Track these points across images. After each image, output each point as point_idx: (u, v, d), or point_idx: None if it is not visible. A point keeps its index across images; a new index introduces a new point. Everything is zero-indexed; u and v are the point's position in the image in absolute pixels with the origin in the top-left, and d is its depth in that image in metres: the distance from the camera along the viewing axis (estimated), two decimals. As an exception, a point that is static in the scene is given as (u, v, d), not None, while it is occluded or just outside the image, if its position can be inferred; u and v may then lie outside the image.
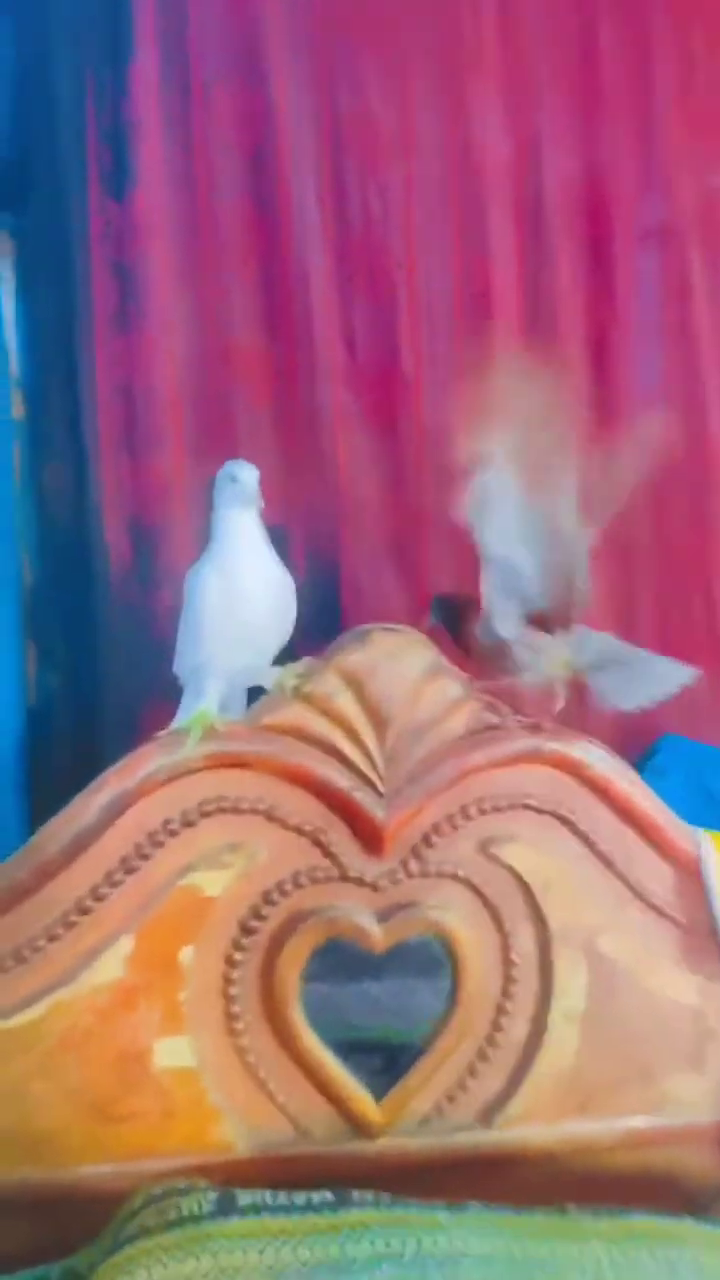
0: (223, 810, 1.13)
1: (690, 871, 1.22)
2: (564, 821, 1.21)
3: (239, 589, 1.11)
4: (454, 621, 1.23)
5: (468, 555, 1.47)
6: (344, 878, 1.16)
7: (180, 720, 1.13)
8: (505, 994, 1.20)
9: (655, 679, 1.17)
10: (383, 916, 1.17)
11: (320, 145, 1.44)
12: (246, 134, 1.45)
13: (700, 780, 1.45)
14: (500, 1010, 1.20)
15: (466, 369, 1.46)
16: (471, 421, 1.08)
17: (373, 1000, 1.25)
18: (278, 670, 1.16)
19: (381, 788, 1.15)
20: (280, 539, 1.20)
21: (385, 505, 1.47)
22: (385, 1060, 1.19)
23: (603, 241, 1.50)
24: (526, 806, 1.20)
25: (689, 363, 1.51)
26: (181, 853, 1.12)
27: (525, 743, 1.18)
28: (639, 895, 1.22)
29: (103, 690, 1.49)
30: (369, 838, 1.15)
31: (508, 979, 1.20)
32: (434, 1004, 1.19)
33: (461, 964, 1.18)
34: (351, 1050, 1.17)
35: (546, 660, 1.17)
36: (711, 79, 1.48)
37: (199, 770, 1.12)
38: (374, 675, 1.15)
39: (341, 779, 1.14)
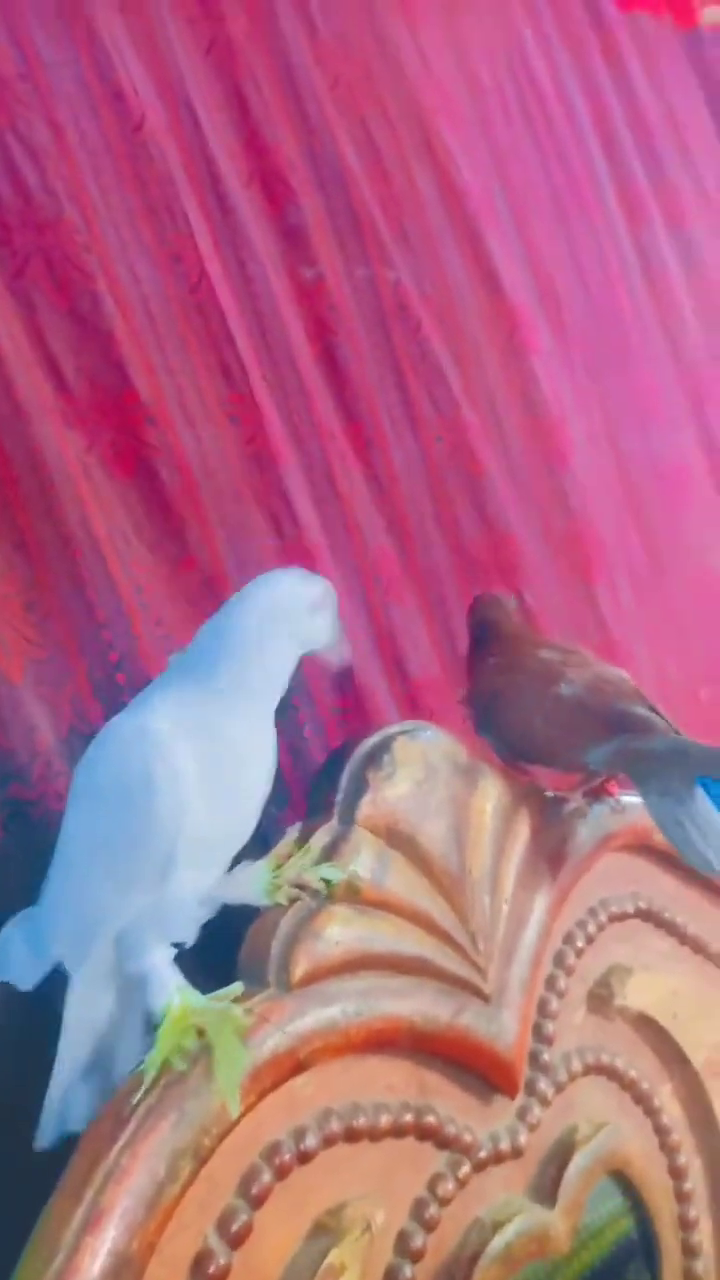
0: (281, 1172, 0.57)
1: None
2: (646, 916, 0.86)
3: (236, 778, 0.58)
4: (471, 625, 0.85)
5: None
6: (479, 1166, 0.67)
7: (150, 1051, 0.52)
8: (681, 1196, 0.82)
9: None
10: (545, 1193, 0.70)
11: None
12: None
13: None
14: (685, 1223, 0.81)
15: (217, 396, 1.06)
16: None
17: None
18: (257, 870, 0.63)
19: (486, 987, 0.69)
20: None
21: (165, 577, 0.98)
22: None
23: (294, 225, 1.20)
24: (613, 918, 0.83)
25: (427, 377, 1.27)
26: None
27: (596, 828, 0.81)
28: (730, 969, 0.92)
29: None
30: (492, 1075, 0.69)
31: (675, 1171, 0.82)
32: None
33: (644, 1190, 0.77)
34: None
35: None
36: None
37: (232, 1127, 0.55)
38: (423, 813, 0.68)
39: (441, 1005, 0.66)
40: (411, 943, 0.65)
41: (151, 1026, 0.58)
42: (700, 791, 0.73)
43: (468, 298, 1.36)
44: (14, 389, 0.89)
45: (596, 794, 0.83)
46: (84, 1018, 0.61)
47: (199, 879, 0.59)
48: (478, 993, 0.68)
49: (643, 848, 0.86)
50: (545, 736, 0.78)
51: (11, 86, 0.96)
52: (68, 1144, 0.60)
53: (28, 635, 0.87)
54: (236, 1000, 0.58)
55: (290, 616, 0.60)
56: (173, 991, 0.57)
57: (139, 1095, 0.53)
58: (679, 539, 1.69)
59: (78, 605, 0.90)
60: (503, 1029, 0.68)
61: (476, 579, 1.30)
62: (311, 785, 0.70)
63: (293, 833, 0.66)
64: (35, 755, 0.81)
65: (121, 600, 0.91)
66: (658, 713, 0.77)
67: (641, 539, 1.60)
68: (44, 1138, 0.59)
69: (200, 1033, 0.55)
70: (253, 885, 0.63)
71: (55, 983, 0.62)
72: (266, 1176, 0.56)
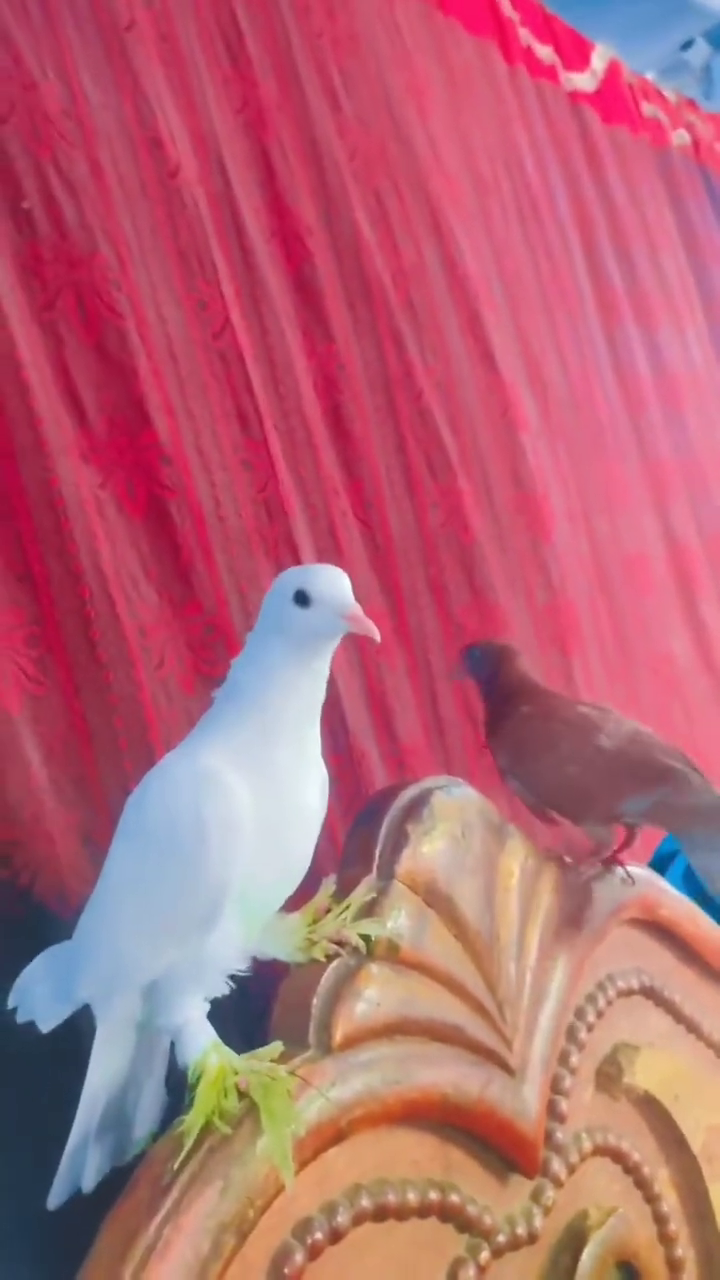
0: (313, 1252, 0.53)
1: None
2: (648, 993, 0.85)
3: (288, 806, 0.55)
4: (493, 671, 0.86)
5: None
6: (497, 1252, 0.64)
7: (185, 1112, 0.48)
8: (677, 1290, 0.79)
9: None
10: (559, 1282, 0.67)
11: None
12: None
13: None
14: (681, 1320, 0.78)
15: (232, 442, 1.05)
16: None
17: None
18: (290, 924, 0.60)
19: (511, 1060, 0.66)
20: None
21: (168, 621, 0.95)
22: None
23: (309, 285, 1.22)
24: (619, 993, 0.81)
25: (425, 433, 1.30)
26: None
27: (609, 899, 0.80)
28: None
29: None
30: (513, 1153, 0.66)
31: (672, 1263, 0.79)
32: None
33: (649, 1282, 0.74)
34: None
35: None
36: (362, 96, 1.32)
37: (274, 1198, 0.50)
38: (459, 872, 0.66)
39: (472, 1075, 0.63)
40: (446, 1009, 0.63)
41: (176, 1084, 0.54)
42: None
43: (465, 372, 1.39)
44: (36, 419, 0.87)
45: (609, 864, 0.82)
46: (106, 1069, 0.57)
47: (245, 931, 0.56)
48: (503, 1065, 0.66)
49: (647, 922, 0.86)
50: (583, 785, 0.77)
51: (56, 123, 0.96)
52: (76, 1203, 0.55)
53: (27, 670, 0.83)
54: (276, 1060, 0.54)
55: (280, 615, 0.56)
56: (208, 1049, 0.53)
57: (179, 1160, 0.48)
58: (642, 621, 1.73)
59: (81, 643, 0.86)
60: (525, 1105, 0.66)
61: (461, 645, 1.31)
62: (347, 834, 0.67)
63: (329, 885, 0.63)
64: (28, 794, 0.76)
65: (125, 642, 0.88)
66: (694, 768, 0.77)
67: (610, 618, 1.64)
68: (55, 1197, 0.54)
69: (241, 1094, 0.52)
70: (286, 940, 0.60)
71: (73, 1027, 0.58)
72: (299, 1257, 0.52)
